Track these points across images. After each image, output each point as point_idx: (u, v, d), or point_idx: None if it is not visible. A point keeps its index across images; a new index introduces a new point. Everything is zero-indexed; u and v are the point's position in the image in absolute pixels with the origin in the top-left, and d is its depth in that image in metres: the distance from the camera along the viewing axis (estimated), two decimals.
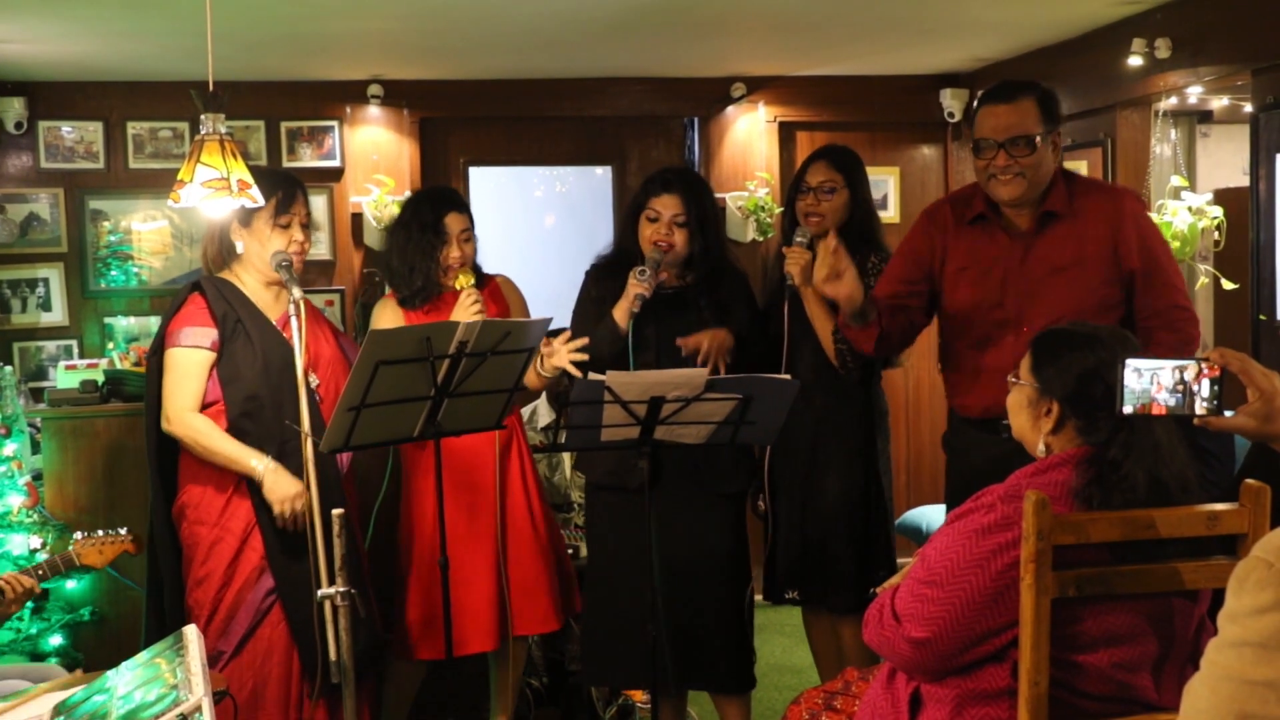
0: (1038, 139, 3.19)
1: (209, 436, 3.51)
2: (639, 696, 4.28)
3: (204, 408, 3.54)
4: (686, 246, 3.62)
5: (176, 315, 3.57)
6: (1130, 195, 3.44)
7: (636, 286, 3.51)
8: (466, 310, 3.65)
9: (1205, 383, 2.00)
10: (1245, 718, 1.31)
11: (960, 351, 3.40)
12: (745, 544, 3.75)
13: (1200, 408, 1.99)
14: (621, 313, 3.55)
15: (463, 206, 3.89)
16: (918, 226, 3.50)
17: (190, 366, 3.52)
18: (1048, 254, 3.26)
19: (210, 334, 3.54)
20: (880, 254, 3.74)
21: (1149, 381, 2.05)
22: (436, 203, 3.86)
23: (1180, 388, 2.01)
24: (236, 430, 3.52)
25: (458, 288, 3.75)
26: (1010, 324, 3.27)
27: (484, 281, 3.89)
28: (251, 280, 3.65)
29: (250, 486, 3.53)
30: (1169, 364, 2.02)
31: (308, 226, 3.65)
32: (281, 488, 3.49)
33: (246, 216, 3.55)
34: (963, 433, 3.43)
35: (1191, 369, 2.01)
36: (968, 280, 3.33)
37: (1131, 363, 2.04)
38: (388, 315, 3.84)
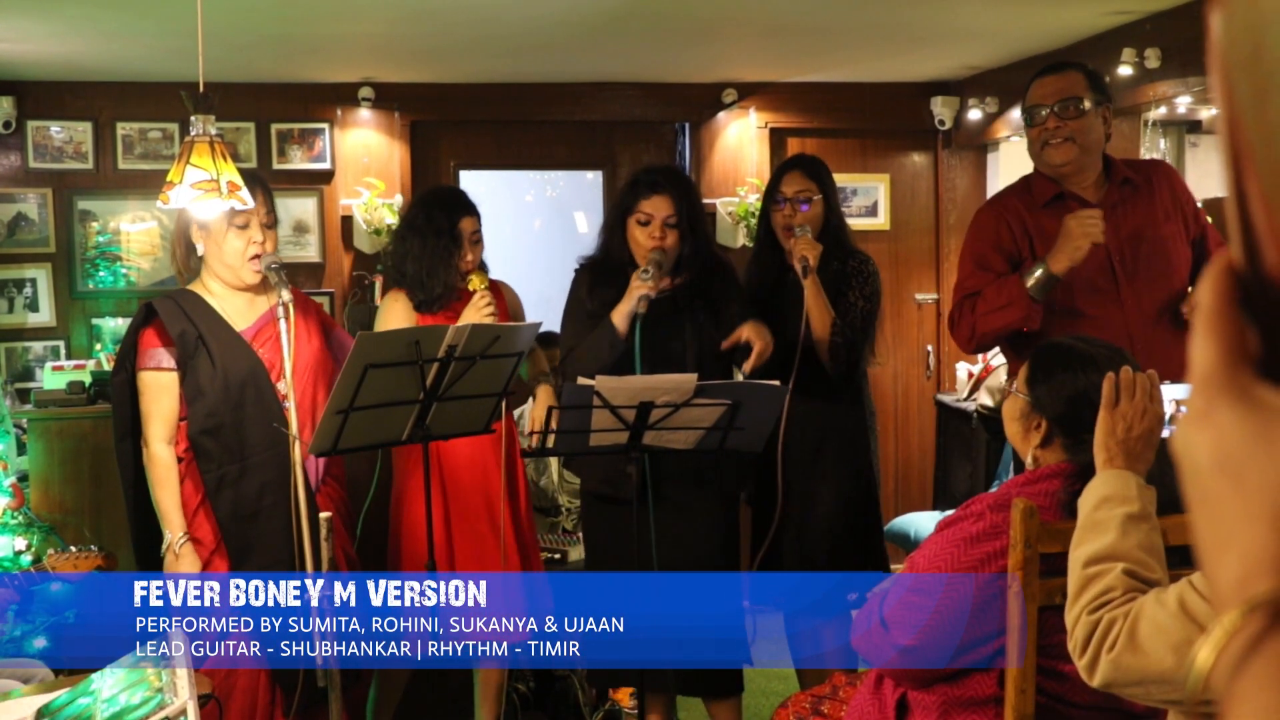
0: (1086, 103, 3.29)
1: (161, 483, 3.45)
2: (626, 701, 4.28)
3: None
4: (678, 248, 3.59)
5: (140, 335, 3.49)
6: (1168, 164, 3.56)
7: (641, 287, 3.41)
8: (480, 313, 3.61)
9: None
10: None
11: (1050, 332, 3.38)
12: (738, 547, 3.75)
13: None
14: (622, 317, 3.46)
15: (474, 209, 3.81)
16: (985, 222, 3.45)
17: (160, 391, 3.47)
18: (1136, 221, 3.33)
19: (170, 355, 3.46)
20: (854, 258, 3.74)
21: None
22: (450, 207, 3.77)
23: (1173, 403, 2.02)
24: (196, 447, 3.45)
25: (471, 289, 3.71)
26: (1108, 293, 3.29)
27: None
28: (219, 287, 3.51)
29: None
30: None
31: (271, 226, 3.49)
32: (175, 570, 3.40)
33: (204, 218, 3.40)
34: None
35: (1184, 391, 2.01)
36: None
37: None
38: (400, 313, 3.75)
